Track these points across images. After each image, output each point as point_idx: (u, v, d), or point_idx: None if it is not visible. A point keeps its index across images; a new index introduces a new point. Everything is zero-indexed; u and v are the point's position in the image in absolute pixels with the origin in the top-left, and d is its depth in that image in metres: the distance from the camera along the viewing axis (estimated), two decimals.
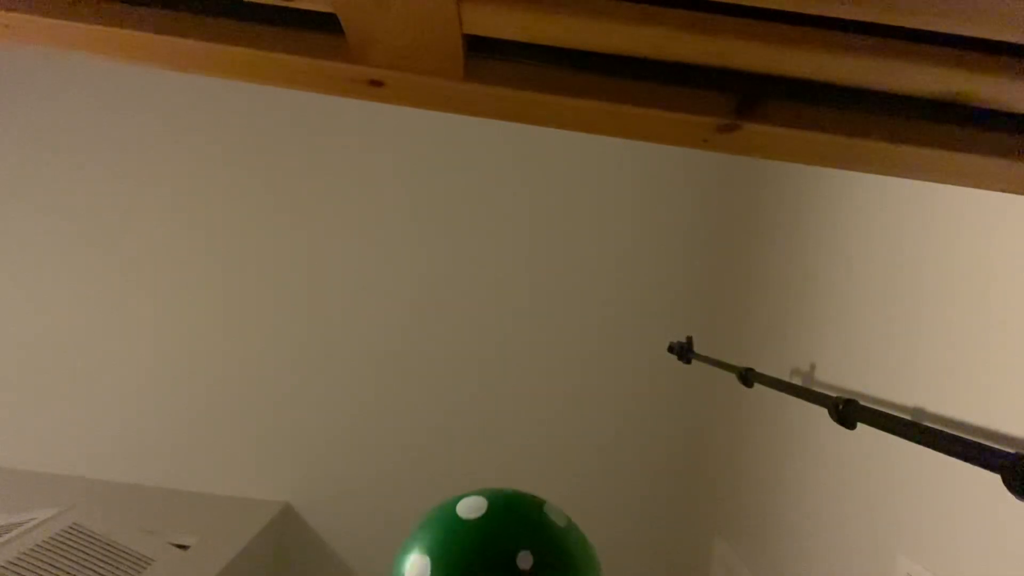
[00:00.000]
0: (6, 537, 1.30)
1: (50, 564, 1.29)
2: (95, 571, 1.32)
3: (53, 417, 1.82)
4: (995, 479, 0.55)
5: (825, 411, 0.84)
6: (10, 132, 1.83)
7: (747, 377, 1.16)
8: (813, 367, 1.16)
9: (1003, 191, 0.54)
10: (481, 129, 1.83)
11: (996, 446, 0.57)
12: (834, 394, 0.86)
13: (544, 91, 0.46)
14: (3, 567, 1.22)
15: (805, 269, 1.26)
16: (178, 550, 1.50)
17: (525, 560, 0.58)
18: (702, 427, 1.78)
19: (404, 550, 0.63)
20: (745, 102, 0.46)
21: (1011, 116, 0.46)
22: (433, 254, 1.85)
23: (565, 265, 1.85)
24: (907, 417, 0.81)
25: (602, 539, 1.56)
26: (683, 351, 1.48)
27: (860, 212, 1.08)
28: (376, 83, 0.48)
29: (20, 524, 1.38)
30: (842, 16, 0.37)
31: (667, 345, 1.56)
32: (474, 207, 1.86)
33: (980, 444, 0.59)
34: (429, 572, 0.58)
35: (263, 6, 0.44)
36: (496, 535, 0.60)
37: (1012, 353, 0.70)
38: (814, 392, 0.92)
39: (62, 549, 1.35)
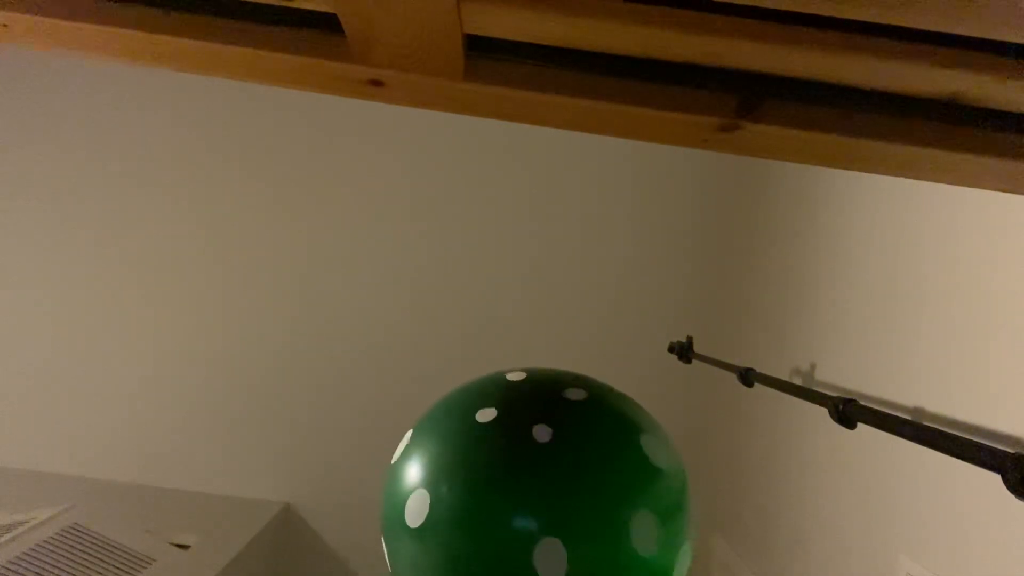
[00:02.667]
0: (6, 537, 1.30)
1: (50, 564, 1.29)
2: (95, 571, 1.32)
3: (53, 417, 1.82)
4: (995, 479, 0.55)
5: (825, 411, 0.84)
6: (10, 132, 1.83)
7: (747, 377, 1.16)
8: (813, 367, 1.16)
9: (1003, 191, 0.54)
10: (481, 129, 1.83)
11: (996, 446, 0.57)
12: (834, 394, 0.86)
13: (544, 91, 0.46)
14: (3, 567, 1.22)
15: (805, 269, 1.26)
16: (178, 550, 1.50)
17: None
18: (702, 427, 1.78)
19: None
20: (745, 102, 0.46)
21: (1011, 116, 0.46)
22: (433, 255, 1.85)
23: (565, 265, 1.85)
24: (907, 417, 0.81)
25: None
26: (683, 351, 1.48)
27: (860, 212, 1.07)
28: (376, 83, 0.47)
29: (20, 524, 1.38)
30: (842, 16, 0.37)
31: (667, 345, 1.56)
32: (473, 207, 1.86)
33: (980, 444, 0.59)
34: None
35: (263, 6, 0.43)
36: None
37: (1012, 353, 0.70)
38: (814, 392, 0.92)
39: (62, 549, 1.35)
